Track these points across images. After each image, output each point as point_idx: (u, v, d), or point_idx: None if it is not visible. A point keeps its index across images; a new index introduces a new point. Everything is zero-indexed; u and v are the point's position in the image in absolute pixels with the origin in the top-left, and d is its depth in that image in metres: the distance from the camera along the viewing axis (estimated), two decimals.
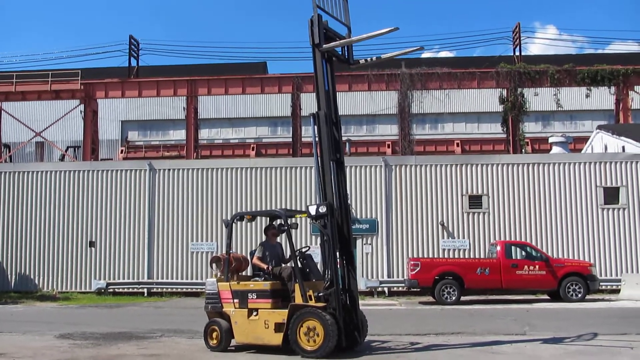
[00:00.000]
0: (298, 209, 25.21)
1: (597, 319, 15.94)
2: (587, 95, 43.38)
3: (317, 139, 11.27)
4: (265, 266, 11.28)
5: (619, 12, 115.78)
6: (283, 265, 11.49)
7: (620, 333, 12.81)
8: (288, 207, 26.14)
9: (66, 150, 50.85)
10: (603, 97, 46.50)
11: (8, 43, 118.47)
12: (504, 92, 42.64)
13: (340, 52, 11.89)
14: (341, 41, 11.59)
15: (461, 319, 16.52)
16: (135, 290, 27.15)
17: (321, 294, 10.56)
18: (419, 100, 42.41)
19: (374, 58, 12.40)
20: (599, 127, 37.02)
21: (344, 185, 11.29)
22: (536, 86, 42.05)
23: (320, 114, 11.21)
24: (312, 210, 10.89)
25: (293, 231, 11.34)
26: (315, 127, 11.31)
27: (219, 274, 11.69)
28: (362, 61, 12.35)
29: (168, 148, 51.74)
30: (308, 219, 11.53)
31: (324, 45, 11.18)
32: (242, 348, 11.30)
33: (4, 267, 28.03)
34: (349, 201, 26.15)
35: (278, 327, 10.65)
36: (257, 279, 11.37)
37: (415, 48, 12.01)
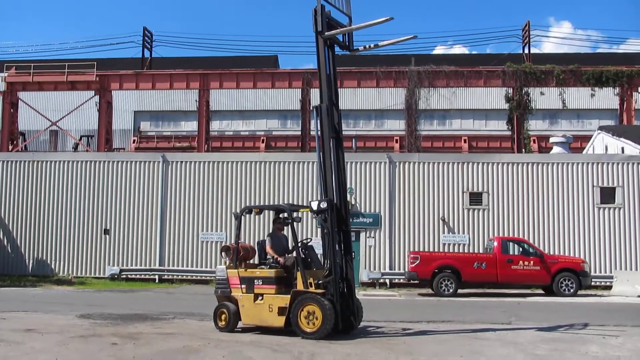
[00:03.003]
0: (305, 201, 26.29)
1: (582, 312, 16.95)
2: (592, 95, 44.26)
3: (319, 132, 12.31)
4: (279, 258, 12.27)
5: (635, 10, 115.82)
6: (287, 254, 12.54)
7: (599, 325, 13.79)
8: (296, 200, 27.22)
9: (80, 139, 52.06)
10: (610, 96, 47.07)
11: (24, 33, 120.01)
12: (510, 91, 43.49)
13: (341, 40, 12.90)
14: (342, 29, 12.65)
15: (454, 310, 17.56)
16: (147, 276, 28.32)
17: (321, 281, 11.62)
18: (426, 98, 43.36)
19: (372, 45, 13.46)
20: (600, 128, 37.84)
21: (343, 168, 12.25)
22: (541, 86, 42.95)
23: (323, 106, 12.25)
24: (314, 205, 11.94)
25: (299, 223, 12.40)
26: (318, 119, 12.33)
27: (228, 261, 12.79)
28: (361, 48, 13.39)
29: (179, 139, 52.85)
30: (311, 213, 12.57)
31: (326, 33, 12.26)
32: (248, 329, 12.43)
33: (22, 252, 29.28)
34: (352, 196, 27.19)
35: (281, 311, 11.74)
36: (262, 266, 12.46)
37: (409, 37, 13.00)
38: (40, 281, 27.05)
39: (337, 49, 12.95)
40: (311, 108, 12.72)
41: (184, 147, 48.39)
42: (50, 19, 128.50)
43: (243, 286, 12.29)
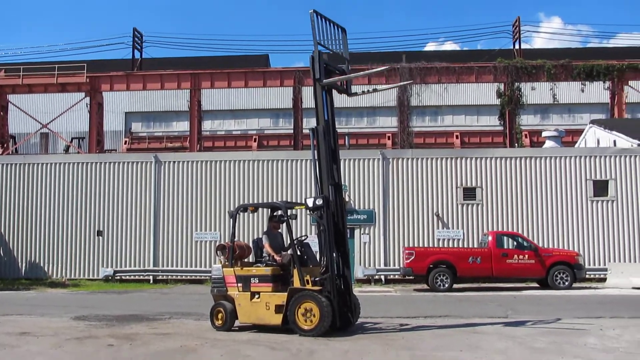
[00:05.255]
0: (299, 199, 26.26)
1: (578, 305, 16.98)
2: (582, 90, 44.42)
3: (315, 142, 12.22)
4: (276, 256, 12.20)
5: (625, 4, 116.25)
6: (283, 252, 12.48)
7: (596, 317, 13.81)
8: (289, 198, 27.19)
9: (71, 141, 51.80)
10: (601, 91, 47.26)
11: (13, 35, 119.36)
12: (502, 86, 43.58)
13: (339, 83, 12.89)
14: (340, 77, 12.64)
15: (450, 304, 17.55)
16: (141, 277, 28.21)
17: (317, 278, 11.56)
18: (418, 94, 43.36)
19: (371, 90, 13.56)
20: (592, 122, 37.97)
21: (342, 204, 12.24)
22: (533, 81, 43.04)
23: (319, 128, 12.16)
24: (310, 202, 11.88)
25: (294, 221, 12.32)
26: (315, 140, 12.24)
27: (224, 260, 12.71)
28: (359, 92, 13.45)
29: (171, 139, 52.69)
30: (307, 210, 12.52)
31: (324, 81, 12.23)
32: (245, 328, 12.35)
33: (14, 255, 29.11)
34: (346, 193, 27.13)
35: (278, 309, 11.67)
36: (258, 265, 12.39)
37: (407, 82, 13.13)
38: (34, 284, 26.89)
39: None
40: (308, 130, 12.62)
41: (176, 148, 48.23)
42: (39, 22, 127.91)
43: (239, 285, 12.22)
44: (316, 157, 12.13)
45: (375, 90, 13.67)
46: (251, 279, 12.11)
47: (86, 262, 28.80)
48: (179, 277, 28.10)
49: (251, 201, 27.49)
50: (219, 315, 12.38)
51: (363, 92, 13.55)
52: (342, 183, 12.70)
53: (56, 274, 28.74)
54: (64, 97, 49.99)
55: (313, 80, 12.25)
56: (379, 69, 11.82)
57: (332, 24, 12.70)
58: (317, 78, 12.19)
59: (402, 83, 11.61)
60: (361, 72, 12.63)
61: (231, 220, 12.96)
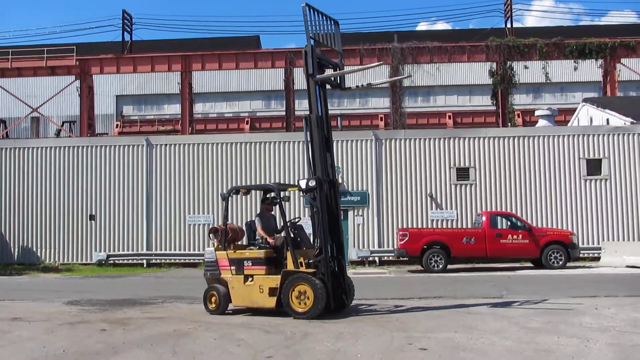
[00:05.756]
0: (292, 181, 26.13)
1: (573, 284, 16.98)
2: (575, 68, 44.35)
3: (308, 127, 12.07)
4: (270, 238, 12.13)
5: None
6: (276, 235, 12.38)
7: (590, 296, 13.80)
8: (282, 180, 27.05)
9: (62, 126, 51.39)
10: (593, 69, 47.17)
11: (0, 18, 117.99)
12: (494, 66, 43.42)
13: (332, 78, 12.74)
14: (333, 72, 12.55)
15: (445, 285, 17.51)
16: (134, 261, 28.10)
17: (311, 261, 11.47)
18: (410, 74, 43.08)
19: (365, 84, 13.41)
20: (585, 100, 37.87)
21: (336, 188, 12.16)
22: (525, 59, 42.95)
23: (312, 117, 12.03)
24: (303, 184, 11.76)
25: (287, 204, 12.21)
26: (308, 131, 12.09)
27: (216, 243, 12.61)
28: (353, 87, 13.28)
29: (163, 122, 52.30)
30: (300, 192, 12.40)
31: (317, 76, 12.05)
32: (238, 311, 12.28)
33: (7, 240, 28.92)
34: (339, 174, 27.09)
35: (272, 292, 11.59)
36: (252, 247, 12.29)
37: (404, 76, 12.87)
38: (27, 269, 26.75)
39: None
40: (302, 118, 12.48)
41: (168, 131, 47.91)
42: (26, 4, 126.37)
43: (232, 268, 12.13)
44: (309, 139, 12.02)
45: (369, 84, 13.46)
46: (244, 261, 12.01)
47: (79, 247, 28.65)
48: (172, 260, 28.02)
49: (244, 183, 27.34)
50: (213, 299, 12.29)
51: (357, 87, 13.42)
52: (335, 165, 12.60)
53: (49, 258, 28.58)
54: (54, 80, 49.50)
55: (306, 75, 12.08)
56: (373, 64, 11.68)
57: (325, 17, 12.54)
58: (310, 73, 12.04)
59: (397, 77, 11.43)
60: (355, 68, 12.51)
61: (224, 202, 12.82)
